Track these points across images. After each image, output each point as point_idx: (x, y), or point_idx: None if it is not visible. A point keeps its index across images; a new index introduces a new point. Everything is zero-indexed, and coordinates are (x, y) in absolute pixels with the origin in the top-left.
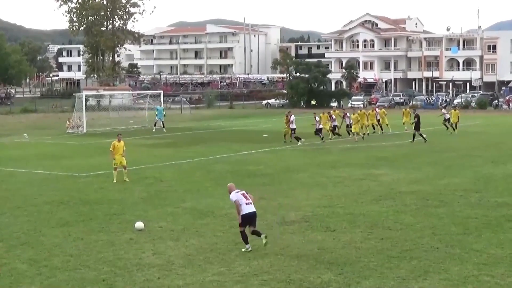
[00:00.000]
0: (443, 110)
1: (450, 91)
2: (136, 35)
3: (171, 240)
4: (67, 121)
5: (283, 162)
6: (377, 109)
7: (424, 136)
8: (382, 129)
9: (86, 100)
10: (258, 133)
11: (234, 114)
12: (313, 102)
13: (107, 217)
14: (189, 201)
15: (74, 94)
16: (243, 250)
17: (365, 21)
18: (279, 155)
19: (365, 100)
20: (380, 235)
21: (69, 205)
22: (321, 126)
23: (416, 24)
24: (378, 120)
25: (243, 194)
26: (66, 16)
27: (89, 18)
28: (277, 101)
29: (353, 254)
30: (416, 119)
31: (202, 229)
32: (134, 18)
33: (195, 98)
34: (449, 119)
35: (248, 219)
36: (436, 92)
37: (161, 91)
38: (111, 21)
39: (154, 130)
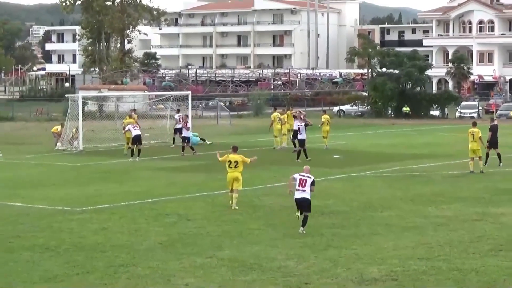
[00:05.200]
0: None
1: None
2: (155, 12)
3: None
4: (55, 133)
5: (362, 195)
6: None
7: (500, 159)
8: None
9: (84, 104)
10: (327, 153)
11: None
12: (405, 110)
13: (111, 270)
14: (226, 248)
15: (66, 95)
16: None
17: None
18: (356, 185)
19: (480, 108)
20: None
21: (58, 252)
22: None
23: None
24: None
25: (301, 181)
26: None
27: None
28: (354, 107)
29: None
30: (490, 132)
31: None
32: None
33: (237, 102)
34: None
35: (297, 202)
36: None
37: (190, 92)
38: None
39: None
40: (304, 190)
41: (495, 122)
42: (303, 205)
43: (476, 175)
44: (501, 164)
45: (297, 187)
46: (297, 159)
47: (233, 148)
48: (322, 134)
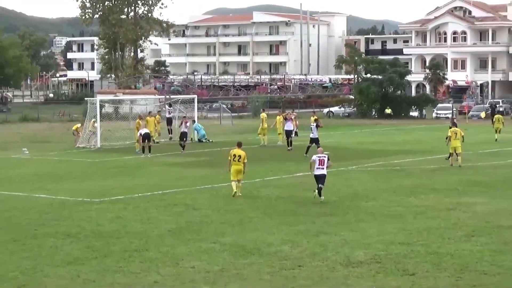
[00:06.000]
0: None
1: None
2: (164, 25)
3: (206, 284)
4: (75, 130)
5: (349, 187)
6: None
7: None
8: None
9: (101, 106)
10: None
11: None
12: (387, 111)
13: (126, 254)
14: (228, 235)
15: (86, 98)
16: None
17: (455, 7)
18: (344, 178)
19: (454, 109)
20: (472, 281)
21: (78, 238)
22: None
23: None
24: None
25: (320, 160)
26: (76, 1)
27: (106, 4)
28: (342, 109)
29: None
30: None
31: (245, 270)
32: (162, 4)
33: (238, 104)
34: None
35: (316, 178)
36: None
37: (195, 96)
38: (133, 7)
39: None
40: (323, 168)
41: (455, 121)
42: (321, 179)
43: (451, 168)
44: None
45: (317, 166)
46: (306, 153)
47: (237, 144)
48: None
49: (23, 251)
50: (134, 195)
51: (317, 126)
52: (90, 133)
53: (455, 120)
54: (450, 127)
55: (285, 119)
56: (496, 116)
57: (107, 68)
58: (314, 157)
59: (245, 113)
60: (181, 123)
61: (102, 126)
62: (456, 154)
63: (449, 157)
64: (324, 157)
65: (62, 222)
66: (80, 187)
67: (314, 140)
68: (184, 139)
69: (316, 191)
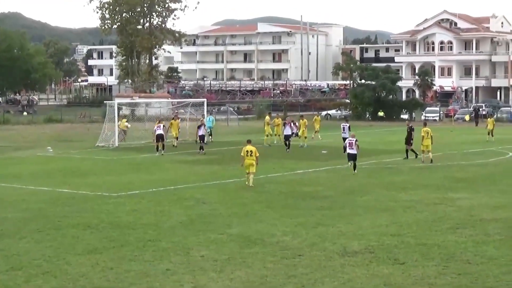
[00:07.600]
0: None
1: None
2: (177, 34)
3: (214, 271)
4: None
5: (345, 183)
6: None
7: (416, 152)
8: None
9: (119, 109)
10: (316, 148)
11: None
12: (380, 114)
13: (141, 244)
14: (235, 226)
15: (105, 102)
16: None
17: (442, 19)
18: (340, 175)
19: (441, 112)
20: (458, 270)
21: (98, 229)
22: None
23: (502, 23)
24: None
25: (349, 143)
26: (97, 12)
27: (124, 15)
28: (339, 111)
29: None
30: (410, 131)
31: (250, 259)
32: (175, 15)
33: (244, 107)
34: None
35: (348, 156)
36: None
37: (205, 100)
38: (148, 19)
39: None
40: (352, 148)
41: (411, 125)
42: (353, 157)
43: (438, 166)
44: (412, 158)
45: (348, 147)
46: (344, 152)
47: (247, 141)
48: (304, 135)
49: (47, 241)
50: (148, 189)
51: (349, 127)
52: (121, 131)
53: (411, 123)
54: (408, 130)
55: (284, 124)
56: (489, 119)
57: (125, 74)
58: (347, 140)
59: (250, 116)
60: (199, 127)
61: (120, 127)
62: (427, 151)
63: (421, 155)
64: (353, 141)
65: (83, 214)
66: (99, 182)
67: (345, 139)
68: (202, 140)
69: (351, 164)
